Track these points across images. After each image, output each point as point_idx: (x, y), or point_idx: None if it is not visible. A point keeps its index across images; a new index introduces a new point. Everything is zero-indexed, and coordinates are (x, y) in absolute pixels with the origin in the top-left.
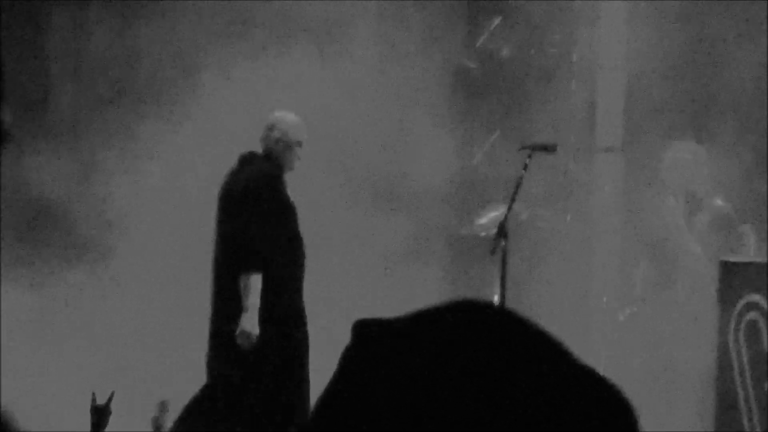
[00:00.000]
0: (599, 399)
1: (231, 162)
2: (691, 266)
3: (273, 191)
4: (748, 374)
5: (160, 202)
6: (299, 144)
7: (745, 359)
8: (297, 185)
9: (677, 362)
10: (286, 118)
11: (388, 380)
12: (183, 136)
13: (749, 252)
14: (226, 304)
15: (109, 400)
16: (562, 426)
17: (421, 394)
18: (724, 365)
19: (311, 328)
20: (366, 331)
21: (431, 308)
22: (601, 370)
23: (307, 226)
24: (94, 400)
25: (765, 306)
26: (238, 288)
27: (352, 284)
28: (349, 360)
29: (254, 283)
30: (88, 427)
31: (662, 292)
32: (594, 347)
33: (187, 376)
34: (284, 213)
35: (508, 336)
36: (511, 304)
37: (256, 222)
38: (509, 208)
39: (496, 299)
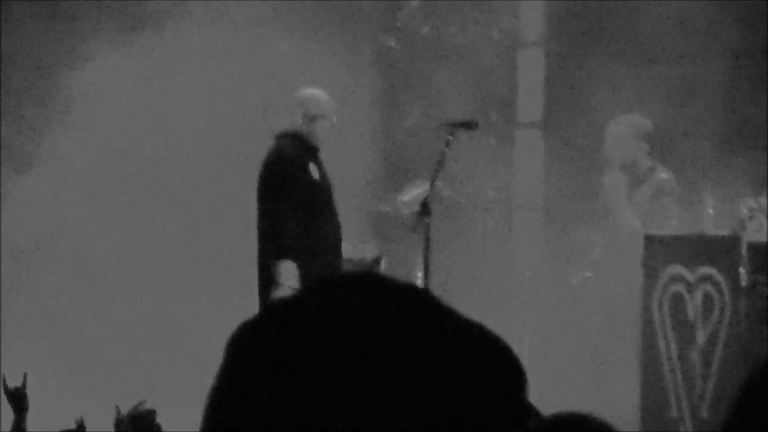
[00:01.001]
0: (487, 357)
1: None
2: (627, 240)
3: (286, 172)
4: (673, 346)
5: None
6: (324, 117)
7: (669, 331)
8: (217, 168)
9: (605, 336)
10: (311, 93)
11: (283, 361)
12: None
13: (672, 224)
14: (261, 294)
15: (24, 383)
16: (450, 386)
17: (318, 368)
18: (648, 337)
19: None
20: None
21: (319, 287)
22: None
23: (233, 208)
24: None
25: (689, 278)
26: (270, 276)
27: None
28: (241, 348)
29: (285, 270)
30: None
31: (595, 266)
32: (516, 323)
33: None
34: (302, 193)
35: (398, 308)
36: (434, 281)
37: (275, 205)
38: (432, 185)
39: (420, 276)
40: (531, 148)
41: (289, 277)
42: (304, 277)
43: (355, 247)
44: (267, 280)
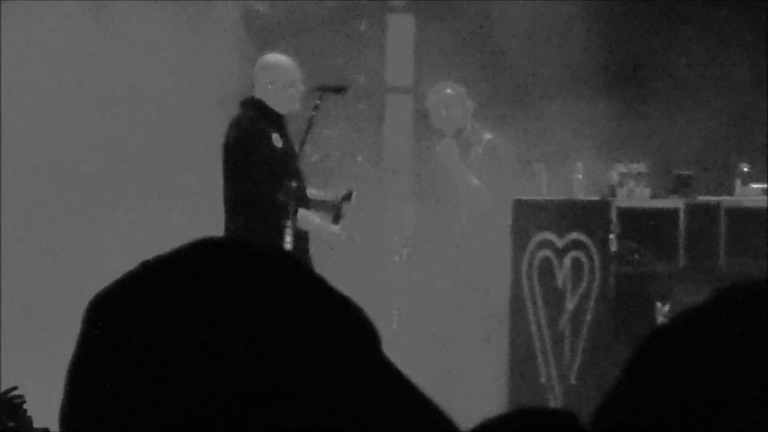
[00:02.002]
0: (344, 321)
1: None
2: (474, 203)
3: (245, 142)
4: (542, 313)
5: None
6: (292, 84)
7: (538, 298)
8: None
9: (469, 303)
10: (275, 60)
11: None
12: None
13: (542, 190)
14: None
15: None
16: (306, 346)
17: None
18: (517, 304)
19: None
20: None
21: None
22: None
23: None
24: None
25: (558, 244)
26: None
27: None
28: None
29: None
30: None
31: (449, 231)
32: (384, 289)
33: None
34: (267, 162)
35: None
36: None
37: (235, 179)
38: (300, 150)
39: (288, 239)
40: (399, 113)
41: (312, 220)
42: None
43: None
44: None
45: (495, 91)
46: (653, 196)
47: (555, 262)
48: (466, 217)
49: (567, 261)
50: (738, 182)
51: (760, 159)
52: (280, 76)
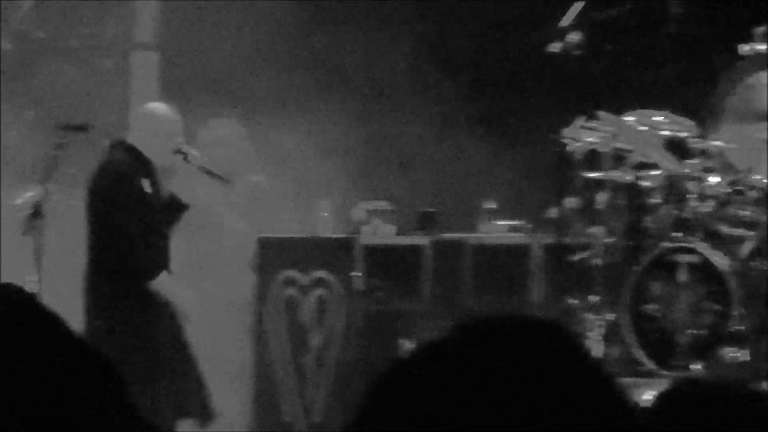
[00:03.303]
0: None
1: None
2: (234, 243)
3: (115, 187)
4: (287, 351)
5: None
6: (171, 137)
7: (283, 335)
8: None
9: (214, 337)
10: (161, 109)
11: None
12: None
13: (328, 228)
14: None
15: None
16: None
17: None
18: (261, 342)
19: None
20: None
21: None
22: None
23: None
24: None
25: (302, 281)
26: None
27: None
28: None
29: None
30: None
31: (206, 268)
32: None
33: None
34: (135, 207)
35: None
36: (48, 282)
37: (102, 225)
38: (44, 188)
39: (35, 279)
40: None
41: (170, 287)
42: (124, 296)
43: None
44: (100, 299)
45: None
46: (398, 234)
47: (300, 299)
48: (225, 252)
49: (311, 298)
50: (483, 219)
51: (505, 197)
52: (163, 128)
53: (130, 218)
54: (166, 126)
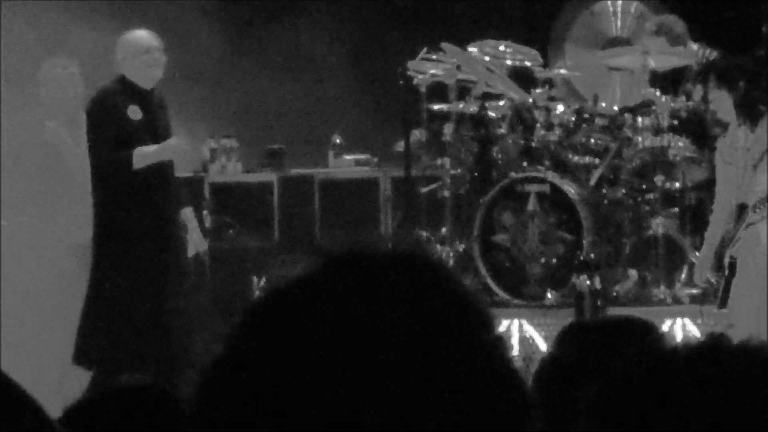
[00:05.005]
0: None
1: None
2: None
3: (97, 113)
4: None
5: None
6: (145, 52)
7: None
8: None
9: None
10: (124, 35)
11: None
12: None
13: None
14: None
15: None
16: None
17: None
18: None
19: None
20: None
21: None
22: None
23: None
24: None
25: None
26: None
27: None
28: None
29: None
30: None
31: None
32: None
33: None
34: (120, 135)
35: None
36: None
37: (91, 148)
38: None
39: None
40: None
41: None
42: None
43: None
44: (106, 229)
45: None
46: (246, 171)
47: None
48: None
49: None
50: (331, 154)
51: (352, 131)
52: (131, 48)
53: (107, 144)
54: (136, 46)
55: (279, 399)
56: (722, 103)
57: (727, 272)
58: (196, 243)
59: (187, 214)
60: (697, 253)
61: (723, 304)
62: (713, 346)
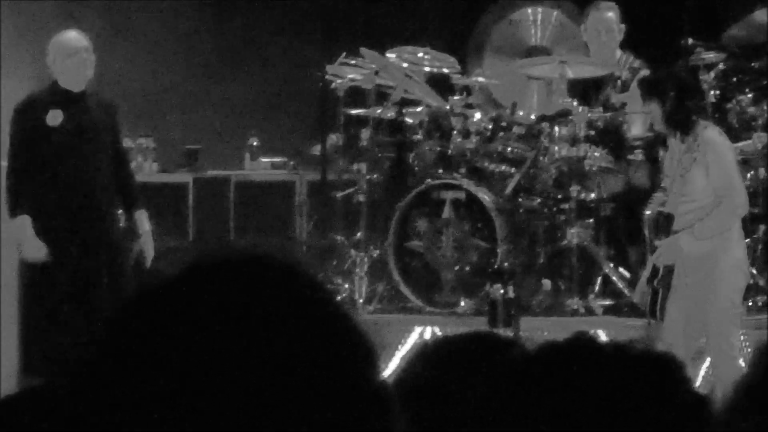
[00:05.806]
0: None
1: None
2: None
3: (15, 121)
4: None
5: None
6: (74, 54)
7: None
8: None
9: None
10: (57, 36)
11: None
12: None
13: None
14: None
15: None
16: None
17: None
18: None
19: None
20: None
21: None
22: None
23: None
24: None
25: None
26: None
27: None
28: None
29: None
30: None
31: None
32: None
33: None
34: (37, 141)
35: None
36: None
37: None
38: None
39: None
40: None
41: (23, 231)
42: (46, 231)
43: None
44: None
45: None
46: (162, 171)
47: None
48: None
49: None
50: (247, 156)
51: (269, 133)
52: (60, 51)
53: (13, 147)
54: (64, 48)
55: (137, 394)
56: (657, 115)
57: (655, 282)
58: (145, 249)
59: (140, 216)
60: (611, 264)
61: (653, 314)
62: (577, 344)
